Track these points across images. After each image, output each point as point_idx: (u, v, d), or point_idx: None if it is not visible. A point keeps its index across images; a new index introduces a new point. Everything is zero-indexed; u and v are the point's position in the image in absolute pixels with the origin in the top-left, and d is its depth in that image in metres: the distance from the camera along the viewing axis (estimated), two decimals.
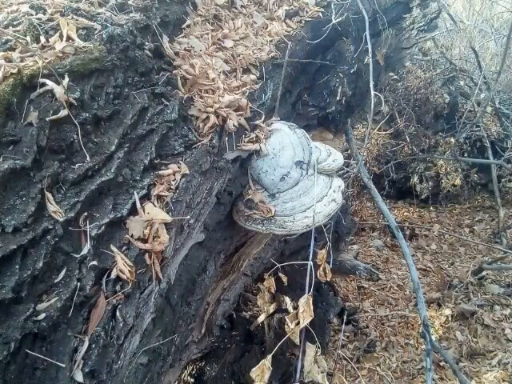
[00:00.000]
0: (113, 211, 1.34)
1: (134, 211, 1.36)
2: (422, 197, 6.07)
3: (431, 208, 6.10)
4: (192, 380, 2.33)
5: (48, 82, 1.26)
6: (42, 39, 1.42)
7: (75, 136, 1.29)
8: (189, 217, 1.48)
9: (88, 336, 1.16)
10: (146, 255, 1.33)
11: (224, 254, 2.09)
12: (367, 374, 3.55)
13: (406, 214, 6.01)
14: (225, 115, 1.74)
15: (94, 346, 1.17)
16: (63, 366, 1.10)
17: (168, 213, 1.38)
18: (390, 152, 5.90)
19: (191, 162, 1.55)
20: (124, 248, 1.32)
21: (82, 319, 1.18)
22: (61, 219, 1.18)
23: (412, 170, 5.99)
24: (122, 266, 1.27)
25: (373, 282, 4.55)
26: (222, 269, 2.23)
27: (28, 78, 1.25)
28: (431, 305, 4.19)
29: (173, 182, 1.41)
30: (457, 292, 4.29)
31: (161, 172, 1.44)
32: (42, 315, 1.09)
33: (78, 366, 1.13)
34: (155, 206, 1.34)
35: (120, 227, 1.34)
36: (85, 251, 1.22)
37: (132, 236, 1.32)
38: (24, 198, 1.15)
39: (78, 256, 1.21)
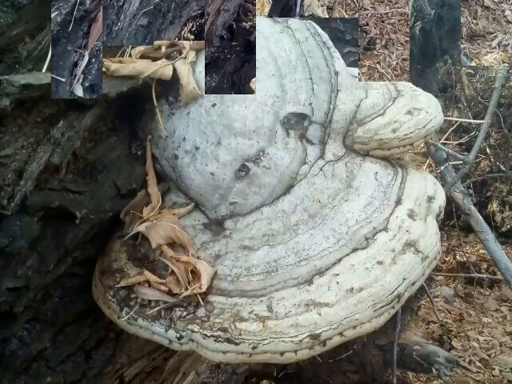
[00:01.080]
0: None
1: None
2: (503, 229, 4.52)
3: None
4: (192, 37, 2.41)
5: None
6: None
7: None
8: None
9: (88, 50, 1.15)
10: None
11: None
12: (367, 72, 3.35)
13: None
14: None
15: (93, 60, 1.16)
16: (63, 80, 1.12)
17: None
18: None
19: None
20: None
21: (81, 34, 1.15)
22: None
23: (492, 193, 4.48)
24: None
25: None
26: None
27: None
28: None
29: None
30: None
31: None
32: None
33: (78, 80, 1.14)
34: None
35: None
36: None
37: None
38: None
39: None
